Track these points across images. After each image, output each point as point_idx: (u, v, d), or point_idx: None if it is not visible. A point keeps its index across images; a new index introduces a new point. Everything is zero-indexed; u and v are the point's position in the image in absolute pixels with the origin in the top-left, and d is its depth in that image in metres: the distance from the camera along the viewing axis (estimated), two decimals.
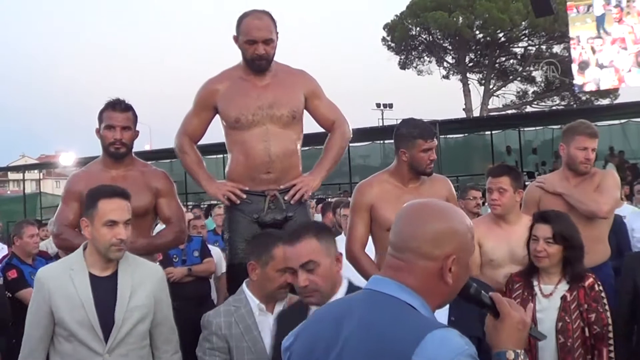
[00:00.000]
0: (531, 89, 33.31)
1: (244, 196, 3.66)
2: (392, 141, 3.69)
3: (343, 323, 1.61)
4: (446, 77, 33.50)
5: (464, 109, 32.06)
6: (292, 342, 1.75)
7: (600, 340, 3.15)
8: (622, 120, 20.89)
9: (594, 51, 18.28)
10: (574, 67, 19.07)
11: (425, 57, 33.20)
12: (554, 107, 31.16)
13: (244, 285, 3.02)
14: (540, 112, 28.48)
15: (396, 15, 32.10)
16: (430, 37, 31.82)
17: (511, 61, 33.38)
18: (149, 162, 4.11)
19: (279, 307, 2.95)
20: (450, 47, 32.49)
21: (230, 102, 3.69)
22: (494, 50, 32.04)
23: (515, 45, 32.56)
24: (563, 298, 3.20)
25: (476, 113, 31.05)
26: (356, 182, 5.01)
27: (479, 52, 32.73)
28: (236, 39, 3.69)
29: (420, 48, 32.89)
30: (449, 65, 33.10)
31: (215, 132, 3.97)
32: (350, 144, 5.24)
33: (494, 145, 21.43)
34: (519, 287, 3.31)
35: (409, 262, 1.61)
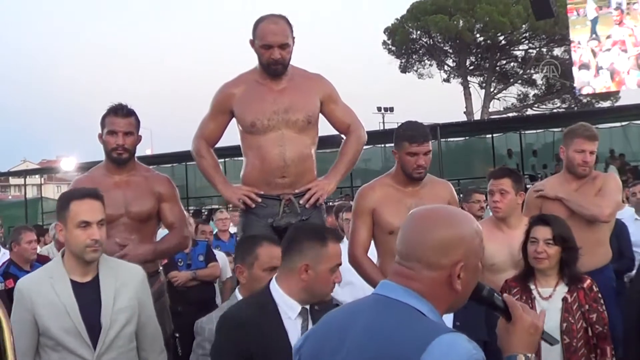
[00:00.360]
0: (532, 92, 33.31)
1: (259, 200, 3.66)
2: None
3: (350, 327, 1.61)
4: (447, 80, 33.51)
5: (464, 112, 32.06)
6: (302, 344, 1.76)
7: (603, 339, 3.20)
8: (623, 123, 20.86)
9: (594, 54, 18.30)
10: (575, 70, 19.09)
11: (426, 61, 33.20)
12: (554, 110, 31.15)
13: (236, 290, 3.03)
14: (541, 115, 28.46)
15: (397, 19, 32.12)
16: (431, 40, 31.83)
17: (512, 64, 33.37)
18: (151, 167, 4.13)
19: None
20: (450, 51, 32.49)
21: (246, 107, 3.69)
22: (495, 53, 32.04)
23: (516, 48, 32.57)
24: (564, 300, 3.22)
25: (477, 116, 31.05)
26: (357, 186, 5.02)
27: (479, 55, 32.73)
28: (252, 42, 3.68)
29: (420, 51, 32.89)
30: (449, 68, 33.11)
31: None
32: None
33: (495, 148, 21.41)
34: (516, 292, 3.31)
35: (417, 270, 1.60)
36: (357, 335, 1.58)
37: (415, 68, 33.53)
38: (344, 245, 3.31)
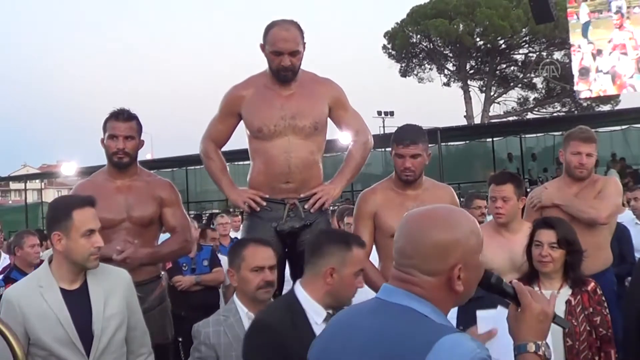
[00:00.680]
0: (532, 96, 33.35)
1: (264, 204, 3.67)
2: None
3: (353, 332, 1.61)
4: (447, 84, 33.56)
5: (465, 116, 32.08)
6: (310, 350, 1.77)
7: (607, 342, 3.21)
8: (624, 127, 20.87)
9: (594, 58, 18.31)
10: (575, 74, 19.09)
11: (426, 65, 33.25)
12: (555, 114, 31.14)
13: (234, 295, 3.04)
14: (541, 118, 28.44)
15: (397, 23, 32.16)
16: (431, 44, 31.87)
17: (512, 68, 33.42)
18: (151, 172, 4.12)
19: None
20: (451, 55, 32.54)
21: (253, 112, 3.68)
22: (495, 57, 32.08)
23: (516, 52, 32.62)
24: (568, 302, 3.22)
25: (477, 120, 31.07)
26: (358, 190, 5.02)
27: (479, 59, 32.77)
28: (263, 47, 3.67)
29: (421, 55, 32.94)
30: (449, 72, 33.15)
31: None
32: None
33: (496, 152, 21.42)
34: None
35: (415, 275, 1.60)
36: (362, 340, 1.58)
37: (415, 72, 33.61)
38: None
